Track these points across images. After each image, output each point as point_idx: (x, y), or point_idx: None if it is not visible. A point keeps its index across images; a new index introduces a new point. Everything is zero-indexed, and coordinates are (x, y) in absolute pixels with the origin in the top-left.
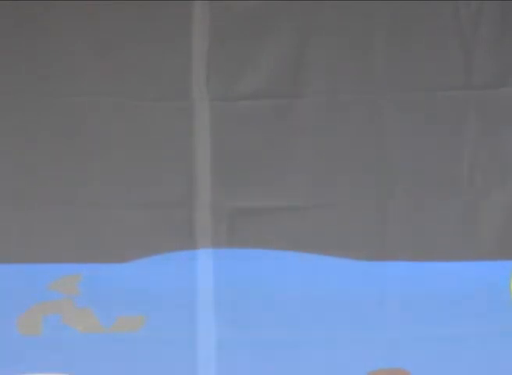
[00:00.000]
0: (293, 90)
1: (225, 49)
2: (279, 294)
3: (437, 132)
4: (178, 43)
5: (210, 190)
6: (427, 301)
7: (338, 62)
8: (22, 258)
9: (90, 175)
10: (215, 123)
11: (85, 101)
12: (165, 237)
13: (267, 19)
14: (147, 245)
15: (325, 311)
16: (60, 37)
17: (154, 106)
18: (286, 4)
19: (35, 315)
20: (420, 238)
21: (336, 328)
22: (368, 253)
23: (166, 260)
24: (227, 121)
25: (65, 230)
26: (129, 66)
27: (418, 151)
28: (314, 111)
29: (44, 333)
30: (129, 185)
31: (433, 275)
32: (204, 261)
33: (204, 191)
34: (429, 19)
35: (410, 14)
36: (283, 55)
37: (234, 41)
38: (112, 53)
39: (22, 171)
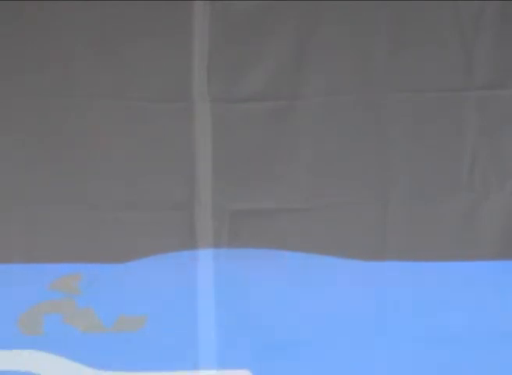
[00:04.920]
0: (294, 91)
1: (226, 50)
2: (279, 294)
3: (437, 132)
4: (178, 43)
5: (211, 191)
6: (427, 302)
7: (338, 62)
8: (22, 258)
9: (91, 175)
10: (215, 124)
11: (85, 102)
12: (165, 237)
13: (267, 19)
14: (147, 246)
15: (325, 311)
16: (60, 37)
17: (155, 107)
18: (286, 4)
19: (36, 314)
20: (420, 238)
21: (336, 328)
22: (368, 253)
23: (167, 260)
24: (228, 122)
25: (66, 230)
26: (129, 66)
27: (418, 152)
28: (315, 112)
29: (45, 332)
30: (129, 186)
31: (433, 275)
32: (205, 261)
33: (204, 193)
34: (429, 19)
35: (410, 14)
36: (283, 55)
37: (234, 42)
38: (112, 53)
39: (22, 171)
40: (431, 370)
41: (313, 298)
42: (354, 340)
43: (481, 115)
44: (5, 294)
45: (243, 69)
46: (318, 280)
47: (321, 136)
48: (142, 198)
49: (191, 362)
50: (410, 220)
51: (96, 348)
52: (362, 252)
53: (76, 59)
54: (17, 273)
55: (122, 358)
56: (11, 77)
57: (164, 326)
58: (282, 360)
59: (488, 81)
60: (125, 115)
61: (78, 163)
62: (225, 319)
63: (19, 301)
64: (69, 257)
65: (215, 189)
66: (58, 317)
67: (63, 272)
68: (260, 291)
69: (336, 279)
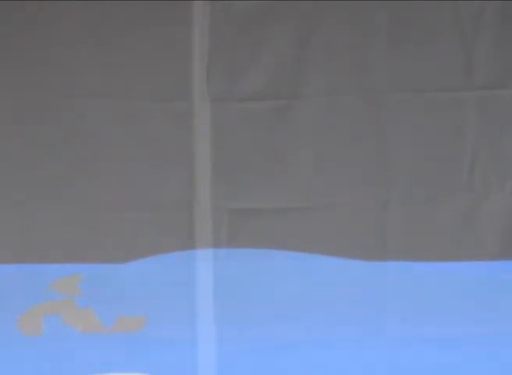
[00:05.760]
0: (294, 90)
1: (225, 49)
2: (278, 294)
3: (437, 132)
4: (178, 43)
5: (210, 190)
6: (427, 302)
7: (338, 62)
8: (22, 259)
9: (91, 175)
10: (215, 123)
11: (85, 101)
12: (165, 237)
13: (267, 19)
14: (147, 245)
15: (325, 311)
16: (60, 37)
17: (154, 107)
18: (286, 4)
19: (36, 315)
20: (420, 238)
21: (336, 328)
22: (369, 253)
23: (166, 260)
24: (227, 122)
25: (66, 230)
26: (130, 66)
27: (418, 152)
28: (315, 111)
29: (44, 333)
30: (129, 185)
31: (433, 275)
32: (204, 261)
33: (204, 192)
34: (429, 19)
35: (410, 14)
36: (283, 55)
37: (234, 41)
38: (112, 53)
39: (22, 171)
40: (431, 370)
41: (313, 297)
42: (354, 340)
43: (481, 115)
44: (5, 295)
45: (243, 69)
46: (318, 280)
47: (321, 136)
48: (142, 198)
49: (190, 362)
50: (410, 220)
51: (95, 348)
52: (362, 252)
53: (76, 59)
54: (17, 273)
55: (122, 358)
56: (11, 77)
57: (163, 326)
58: (282, 360)
59: (488, 81)
60: (125, 115)
61: (78, 163)
62: (225, 318)
63: (18, 301)
64: (69, 257)
65: (214, 189)
66: (58, 317)
67: (63, 272)
68: (259, 291)
69: (336, 279)
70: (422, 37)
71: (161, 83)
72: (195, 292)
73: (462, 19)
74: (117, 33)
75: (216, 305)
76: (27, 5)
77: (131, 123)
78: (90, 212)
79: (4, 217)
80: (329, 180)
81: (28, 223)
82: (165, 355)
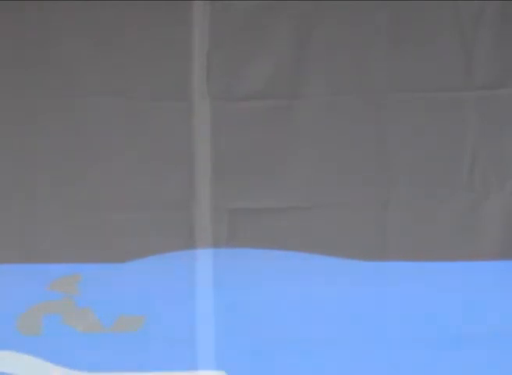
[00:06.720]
0: (293, 90)
1: (225, 49)
2: (278, 294)
3: (437, 132)
4: (178, 43)
5: (210, 190)
6: (427, 302)
7: (338, 62)
8: (22, 259)
9: (91, 175)
10: (215, 123)
11: (85, 101)
12: (165, 237)
13: (267, 19)
14: (147, 245)
15: (325, 311)
16: (60, 37)
17: (155, 106)
18: (286, 4)
19: (35, 315)
20: (420, 238)
21: (336, 328)
22: (368, 253)
23: (166, 260)
24: (227, 121)
25: (66, 230)
26: (129, 66)
27: (418, 152)
28: (315, 111)
29: (44, 333)
30: (129, 185)
31: (433, 275)
32: (204, 261)
33: (204, 192)
34: (429, 19)
35: (410, 14)
36: (283, 55)
37: (234, 41)
38: (112, 53)
39: (22, 171)
40: (431, 371)
41: (313, 298)
42: (354, 340)
43: (481, 115)
44: (5, 295)
45: (243, 68)
46: (318, 280)
47: (321, 135)
48: (142, 198)
49: (190, 362)
50: (410, 220)
51: (95, 348)
52: (362, 252)
53: (75, 59)
54: (16, 273)
55: (121, 358)
56: (11, 77)
57: (163, 326)
58: (282, 360)
59: (488, 81)
60: (125, 114)
61: (77, 162)
62: (224, 318)
63: (18, 301)
64: (68, 257)
65: (214, 188)
66: (58, 318)
67: (63, 272)
68: (259, 291)
69: (336, 279)
70: (422, 37)
71: (161, 83)
72: (195, 292)
73: (462, 19)
74: (117, 33)
75: (216, 305)
76: (27, 5)
77: (131, 123)
78: (90, 212)
79: (4, 217)
80: (329, 180)
81: (28, 223)
82: (165, 355)
